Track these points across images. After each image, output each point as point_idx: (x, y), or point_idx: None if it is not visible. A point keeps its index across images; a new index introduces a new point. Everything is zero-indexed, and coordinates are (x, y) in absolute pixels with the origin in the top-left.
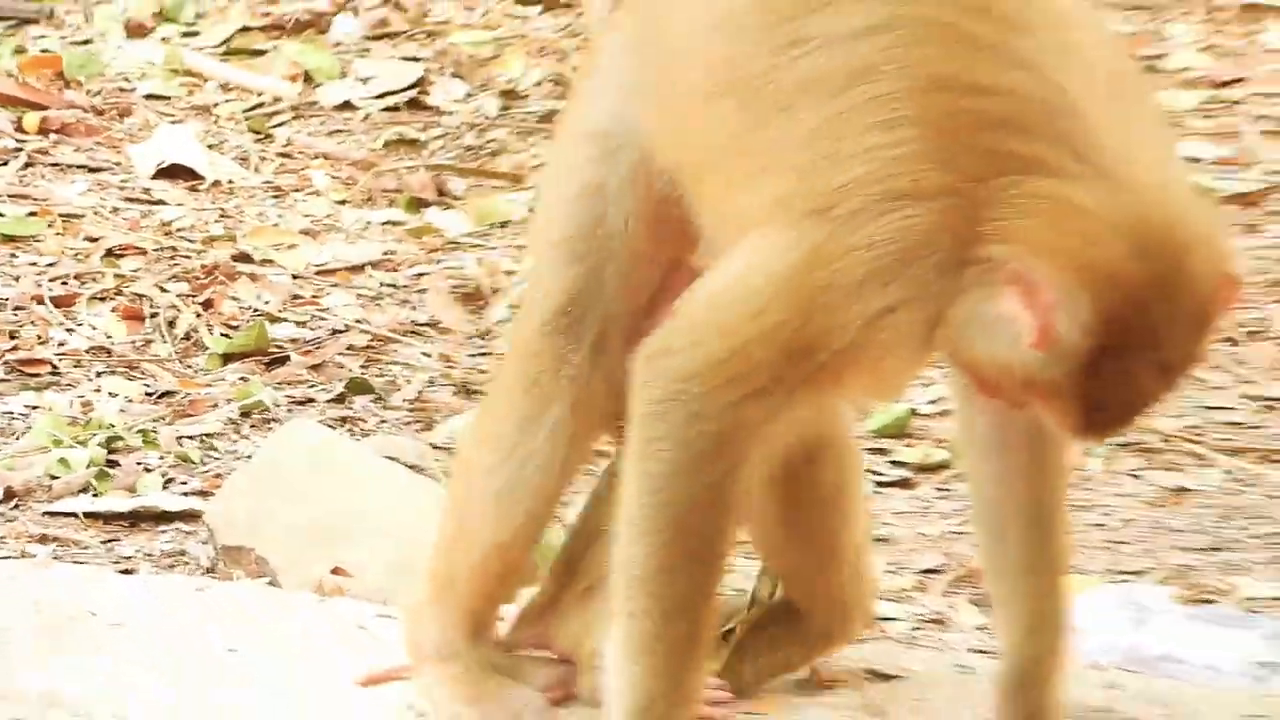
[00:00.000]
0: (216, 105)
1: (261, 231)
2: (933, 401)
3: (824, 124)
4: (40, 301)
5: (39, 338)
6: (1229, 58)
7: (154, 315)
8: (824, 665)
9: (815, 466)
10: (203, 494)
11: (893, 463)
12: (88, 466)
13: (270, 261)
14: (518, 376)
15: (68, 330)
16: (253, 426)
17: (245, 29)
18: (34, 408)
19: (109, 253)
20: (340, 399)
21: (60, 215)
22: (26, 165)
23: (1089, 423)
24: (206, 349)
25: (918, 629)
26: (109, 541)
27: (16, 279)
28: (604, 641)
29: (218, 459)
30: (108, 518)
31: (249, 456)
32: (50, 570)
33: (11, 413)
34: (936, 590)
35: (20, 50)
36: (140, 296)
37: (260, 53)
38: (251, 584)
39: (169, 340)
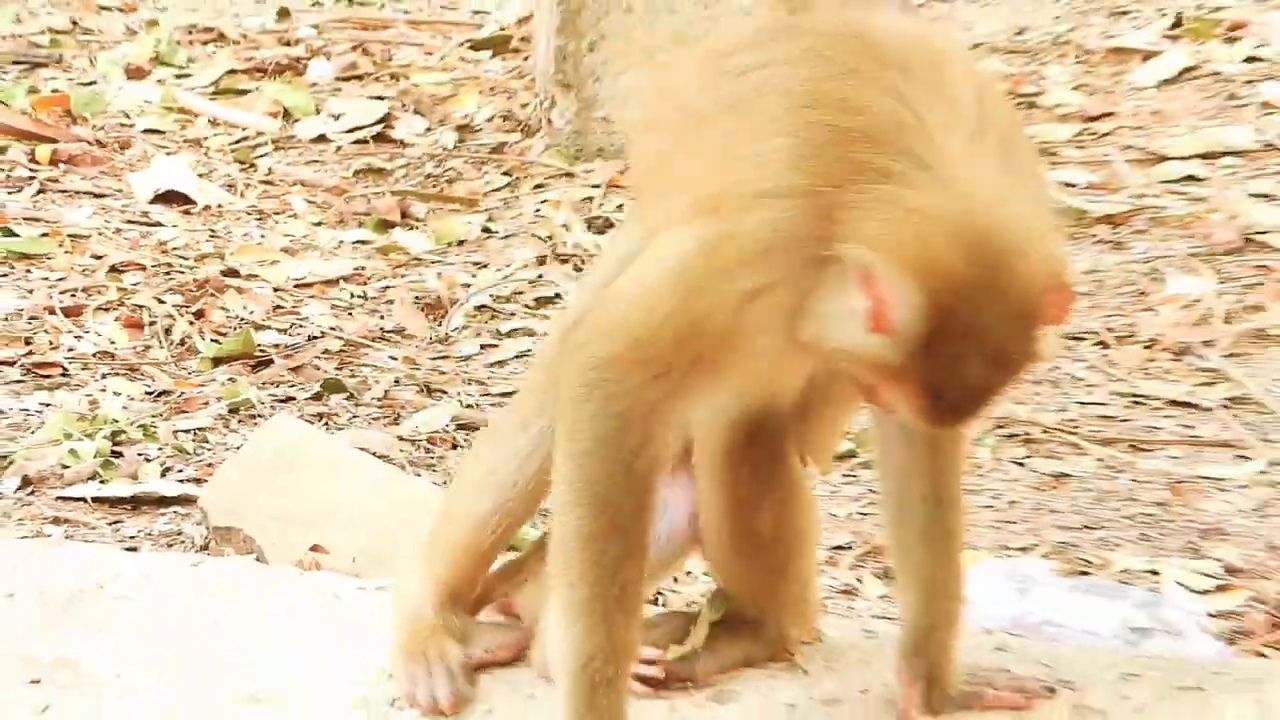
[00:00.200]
0: (206, 139)
1: (247, 250)
2: None
3: (725, 138)
4: (52, 312)
5: (51, 344)
6: (1098, 95)
7: (152, 324)
8: None
9: (770, 503)
10: (197, 481)
11: None
12: (95, 457)
13: (255, 276)
14: (530, 384)
15: (76, 337)
16: (240, 421)
17: (232, 71)
18: (47, 405)
19: (112, 269)
20: (317, 397)
21: (69, 236)
22: (39, 192)
23: (933, 410)
24: (199, 353)
25: (830, 599)
26: (114, 523)
27: (30, 292)
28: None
29: (209, 450)
30: (113, 502)
31: (238, 448)
32: (62, 548)
33: (27, 410)
34: (845, 565)
35: (33, 90)
36: (140, 307)
37: (245, 92)
38: (240, 560)
39: (166, 346)
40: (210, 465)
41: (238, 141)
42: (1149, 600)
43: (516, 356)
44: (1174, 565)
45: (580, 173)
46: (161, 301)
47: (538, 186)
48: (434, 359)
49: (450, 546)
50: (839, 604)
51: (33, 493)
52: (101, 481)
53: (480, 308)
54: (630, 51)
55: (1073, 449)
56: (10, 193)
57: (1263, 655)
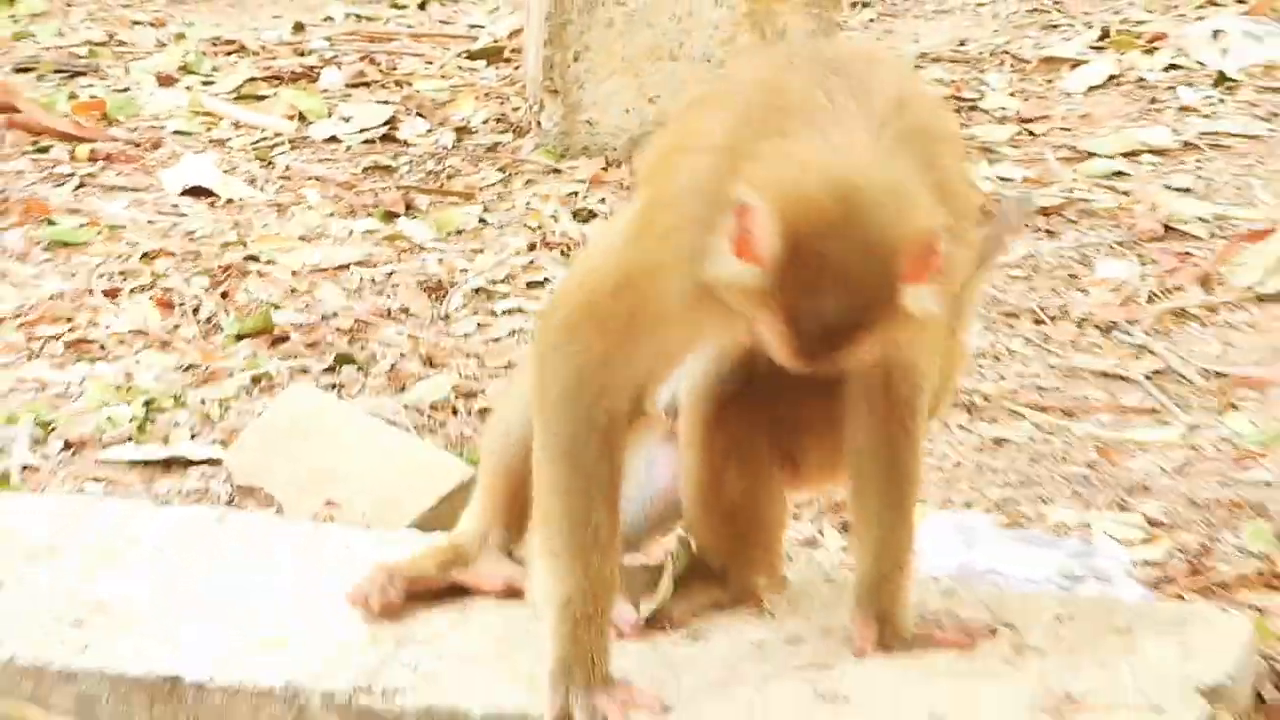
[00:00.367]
0: (229, 139)
1: (266, 238)
2: None
3: (687, 121)
4: (91, 293)
5: (90, 322)
6: (1033, 100)
7: (181, 304)
8: None
9: (743, 469)
10: (222, 444)
11: None
12: (130, 422)
13: (273, 262)
14: None
15: (113, 316)
16: (261, 391)
17: (252, 79)
18: (87, 377)
19: (145, 255)
20: (330, 369)
21: (106, 226)
22: (79, 186)
23: (793, 343)
24: (223, 330)
25: (794, 548)
26: (148, 482)
27: (72, 275)
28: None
29: (233, 416)
30: (146, 463)
31: (259, 414)
32: (101, 504)
33: (70, 381)
34: (807, 518)
35: (73, 96)
36: (170, 289)
37: (263, 98)
38: (261, 514)
39: (194, 324)
40: (234, 430)
41: (257, 141)
42: (1081, 550)
43: (510, 333)
44: (1103, 519)
45: (566, 169)
46: (189, 284)
47: (528, 182)
48: (435, 335)
49: (480, 485)
50: (802, 553)
51: (75, 455)
52: (136, 445)
53: (477, 290)
54: (611, 62)
55: (1011, 415)
56: (54, 187)
57: (1183, 599)
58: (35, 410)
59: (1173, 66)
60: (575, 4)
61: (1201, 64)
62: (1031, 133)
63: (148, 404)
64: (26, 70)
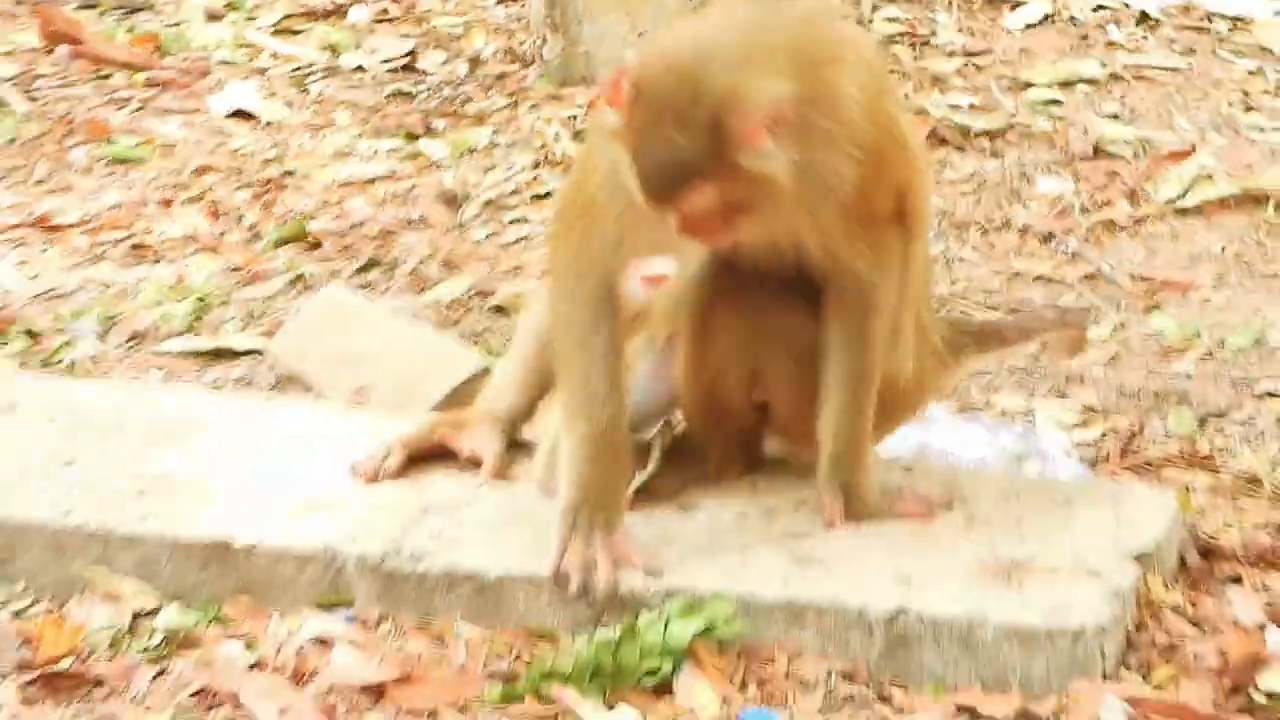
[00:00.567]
0: (269, 68)
1: (302, 156)
2: None
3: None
4: (147, 204)
5: (147, 229)
6: (978, 36)
7: (227, 214)
8: None
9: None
10: (265, 336)
11: None
12: (184, 318)
13: (309, 177)
14: None
15: (167, 224)
16: (299, 291)
17: (289, 15)
18: (145, 278)
19: (195, 170)
20: (360, 271)
21: (161, 145)
22: (137, 109)
23: (639, 179)
24: (265, 237)
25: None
26: (200, 370)
27: (131, 188)
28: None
29: (275, 312)
30: (199, 354)
31: (297, 311)
32: (160, 389)
33: (130, 281)
34: None
35: (131, 30)
36: (217, 201)
37: (299, 32)
38: (301, 398)
39: (238, 231)
40: (275, 324)
41: (294, 71)
42: (1025, 433)
43: (518, 240)
44: (1045, 405)
45: (566, 95)
46: (235, 196)
47: (533, 107)
48: (453, 242)
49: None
50: None
51: (135, 346)
52: (189, 337)
53: (488, 201)
54: (606, 1)
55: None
56: (114, 110)
57: (1116, 477)
58: (100, 307)
59: (1101, 7)
60: None
61: (1127, 4)
62: (977, 65)
63: (199, 301)
64: (90, 7)
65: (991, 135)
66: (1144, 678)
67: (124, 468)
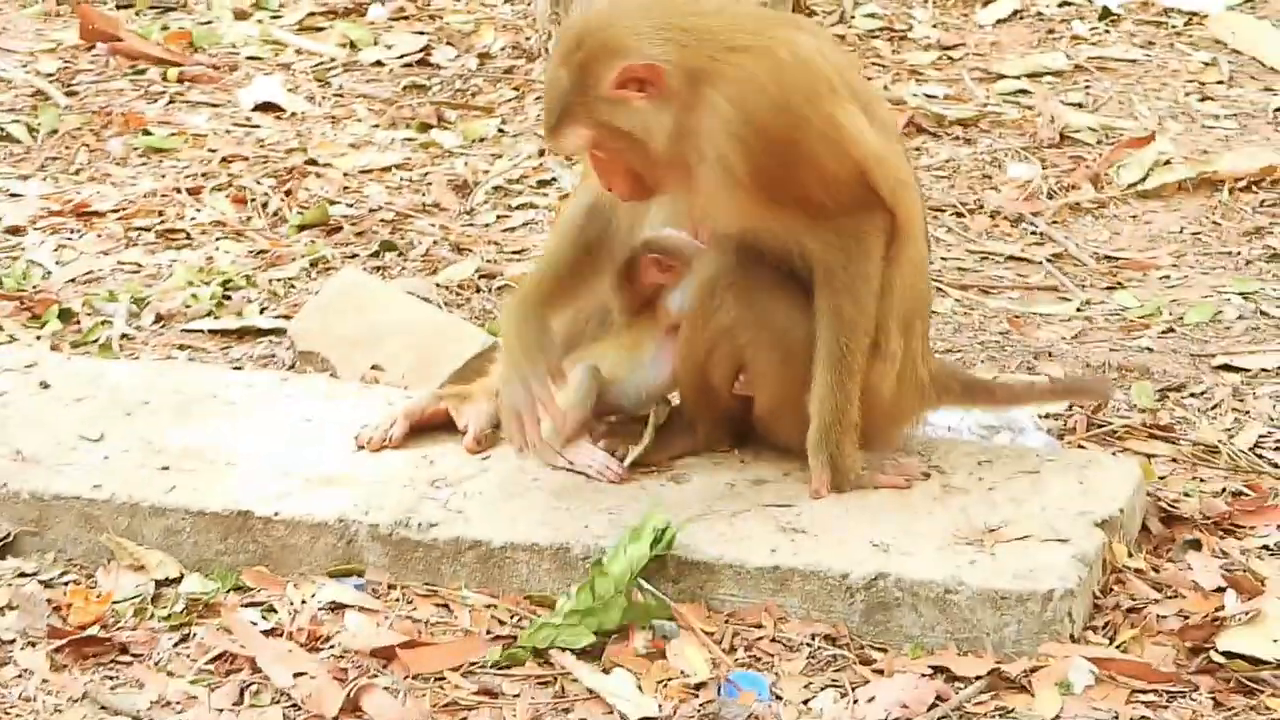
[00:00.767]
0: (293, 64)
1: (323, 145)
2: None
3: None
4: (178, 191)
5: (178, 215)
6: (952, 30)
7: (253, 200)
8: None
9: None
10: (286, 317)
11: None
12: (210, 299)
13: (329, 165)
14: None
15: (196, 210)
16: (319, 272)
17: (312, 14)
18: (175, 261)
19: (223, 159)
20: (376, 254)
21: (191, 135)
22: (169, 102)
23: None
24: (287, 222)
25: None
26: (224, 348)
27: (163, 176)
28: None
29: (295, 293)
30: (223, 333)
31: (317, 292)
32: (186, 367)
33: (160, 264)
34: None
35: (165, 28)
36: (244, 188)
37: (321, 29)
38: (318, 376)
39: (263, 217)
40: (296, 305)
41: (316, 65)
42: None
43: (524, 224)
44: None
45: None
46: (260, 184)
47: (538, 98)
48: (463, 226)
49: None
50: None
51: (164, 326)
52: (215, 317)
53: (496, 188)
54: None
55: (937, 292)
56: (148, 103)
57: (1083, 447)
58: (132, 289)
59: (1066, 3)
60: None
61: (1090, 1)
62: (951, 58)
63: (224, 283)
64: (127, 6)
65: (964, 123)
66: (1110, 640)
67: (150, 443)
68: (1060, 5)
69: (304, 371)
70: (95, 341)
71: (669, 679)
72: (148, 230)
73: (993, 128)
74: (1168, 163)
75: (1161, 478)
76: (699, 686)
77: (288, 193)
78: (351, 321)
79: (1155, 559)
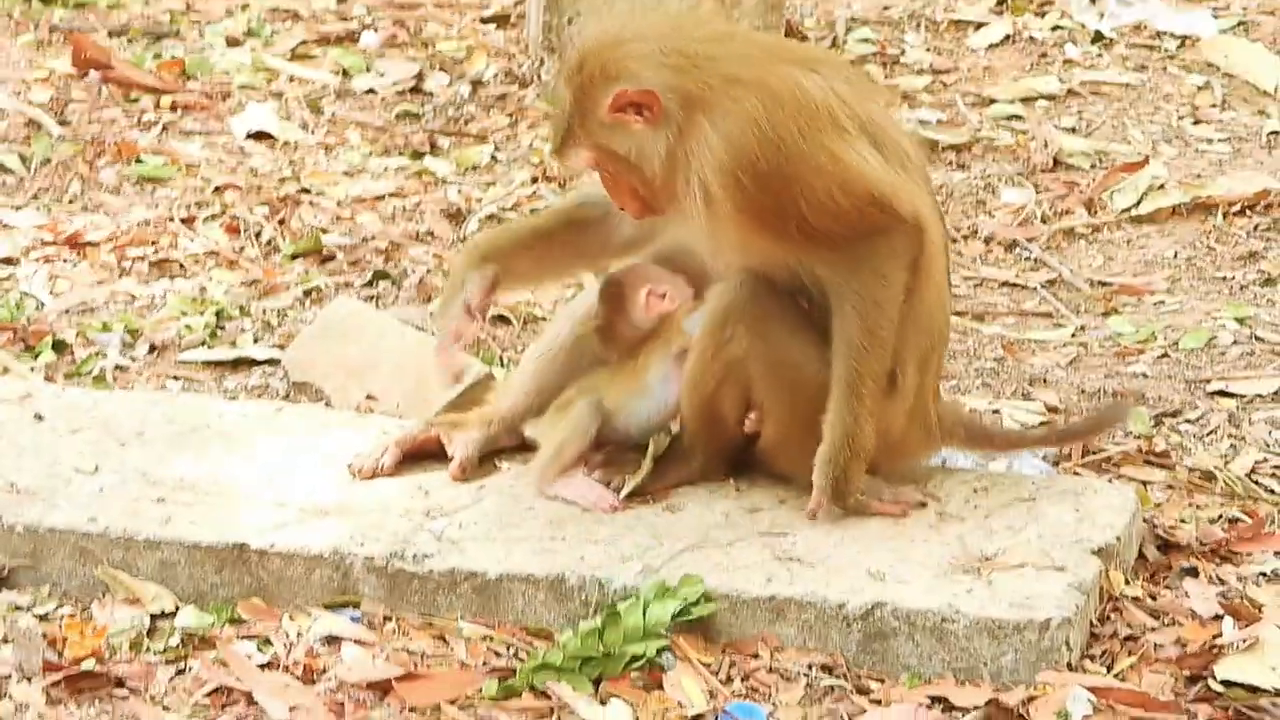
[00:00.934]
0: (286, 91)
1: (316, 174)
2: None
3: None
4: (171, 221)
5: (171, 244)
6: (945, 55)
7: (246, 229)
8: None
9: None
10: (280, 347)
11: None
12: (204, 329)
13: (322, 194)
14: None
15: (190, 239)
16: (312, 302)
17: (304, 41)
18: (168, 291)
19: (216, 188)
20: (369, 283)
21: (184, 164)
22: (162, 131)
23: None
24: (281, 251)
25: None
26: (218, 379)
27: (156, 206)
28: None
29: (289, 323)
30: (217, 363)
31: (310, 322)
32: (180, 398)
33: (154, 294)
34: None
35: (157, 56)
36: (237, 217)
37: (314, 57)
38: (313, 406)
39: (256, 246)
40: (290, 335)
41: (309, 93)
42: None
43: None
44: (1009, 406)
45: None
46: (253, 212)
47: (531, 125)
48: (456, 254)
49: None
50: None
51: (158, 357)
52: (209, 348)
53: (490, 215)
54: (599, 24)
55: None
56: (141, 132)
57: (1078, 474)
58: (125, 319)
59: (1058, 27)
60: None
61: (1082, 25)
62: (944, 83)
63: (218, 313)
64: (119, 34)
65: (958, 149)
66: (1107, 668)
67: (145, 475)
68: (1053, 29)
69: (298, 401)
70: (89, 373)
71: (666, 710)
72: (141, 260)
73: (986, 153)
74: (1161, 187)
75: (1158, 504)
76: (696, 718)
77: (281, 221)
78: (345, 351)
79: (1152, 586)
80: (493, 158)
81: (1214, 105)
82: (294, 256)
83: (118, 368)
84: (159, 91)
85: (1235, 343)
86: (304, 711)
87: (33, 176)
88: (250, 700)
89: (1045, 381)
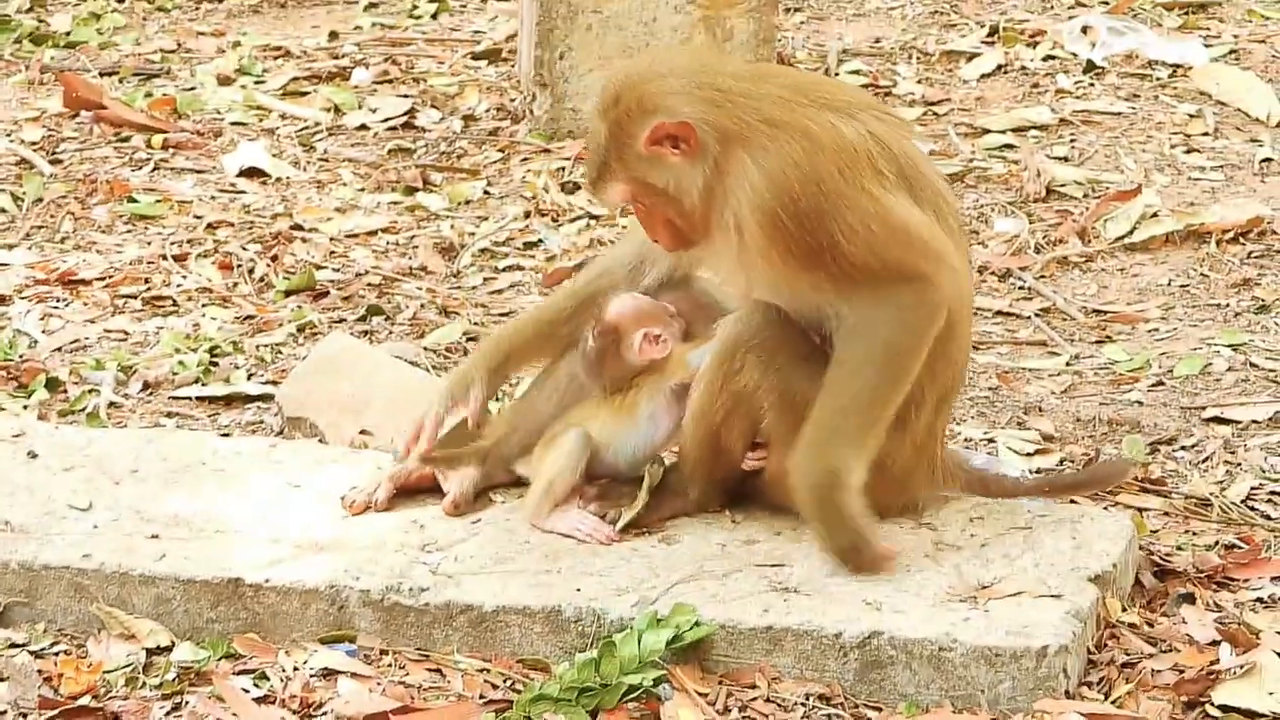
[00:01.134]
0: (278, 129)
1: (309, 210)
2: None
3: None
4: (164, 258)
5: (164, 281)
6: (936, 86)
7: (239, 266)
8: None
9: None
10: (274, 383)
11: None
12: (197, 366)
13: (315, 230)
14: None
15: (182, 277)
16: (306, 338)
17: (296, 78)
18: (161, 328)
19: (209, 226)
20: (363, 319)
21: (177, 202)
22: (154, 169)
23: (583, 172)
24: (274, 288)
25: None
26: (212, 415)
27: (149, 243)
28: None
29: (283, 359)
30: (211, 399)
31: (304, 357)
32: (174, 435)
33: (147, 332)
34: None
35: (149, 94)
36: (230, 254)
37: (305, 94)
38: (307, 441)
39: (249, 282)
40: (284, 370)
41: (301, 130)
42: (988, 461)
43: (511, 286)
44: (1005, 434)
45: (555, 149)
46: (245, 249)
47: (524, 160)
48: (449, 289)
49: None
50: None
51: (151, 394)
52: (202, 384)
53: (483, 250)
54: (590, 59)
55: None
56: (133, 170)
57: (1074, 502)
58: (119, 357)
59: (1050, 57)
60: (560, 12)
61: (1074, 55)
62: (936, 113)
63: (211, 350)
64: (111, 74)
65: (951, 179)
66: (1105, 695)
67: (140, 512)
68: (1044, 59)
69: (292, 437)
70: (83, 410)
71: None
72: (134, 298)
73: (979, 183)
74: (1154, 215)
75: (1154, 531)
76: None
77: (274, 258)
78: (339, 386)
79: (1149, 613)
80: (485, 192)
81: (1206, 133)
82: (287, 293)
83: (111, 405)
84: (151, 130)
85: (1230, 369)
86: None
87: (25, 215)
88: None
89: (1040, 410)
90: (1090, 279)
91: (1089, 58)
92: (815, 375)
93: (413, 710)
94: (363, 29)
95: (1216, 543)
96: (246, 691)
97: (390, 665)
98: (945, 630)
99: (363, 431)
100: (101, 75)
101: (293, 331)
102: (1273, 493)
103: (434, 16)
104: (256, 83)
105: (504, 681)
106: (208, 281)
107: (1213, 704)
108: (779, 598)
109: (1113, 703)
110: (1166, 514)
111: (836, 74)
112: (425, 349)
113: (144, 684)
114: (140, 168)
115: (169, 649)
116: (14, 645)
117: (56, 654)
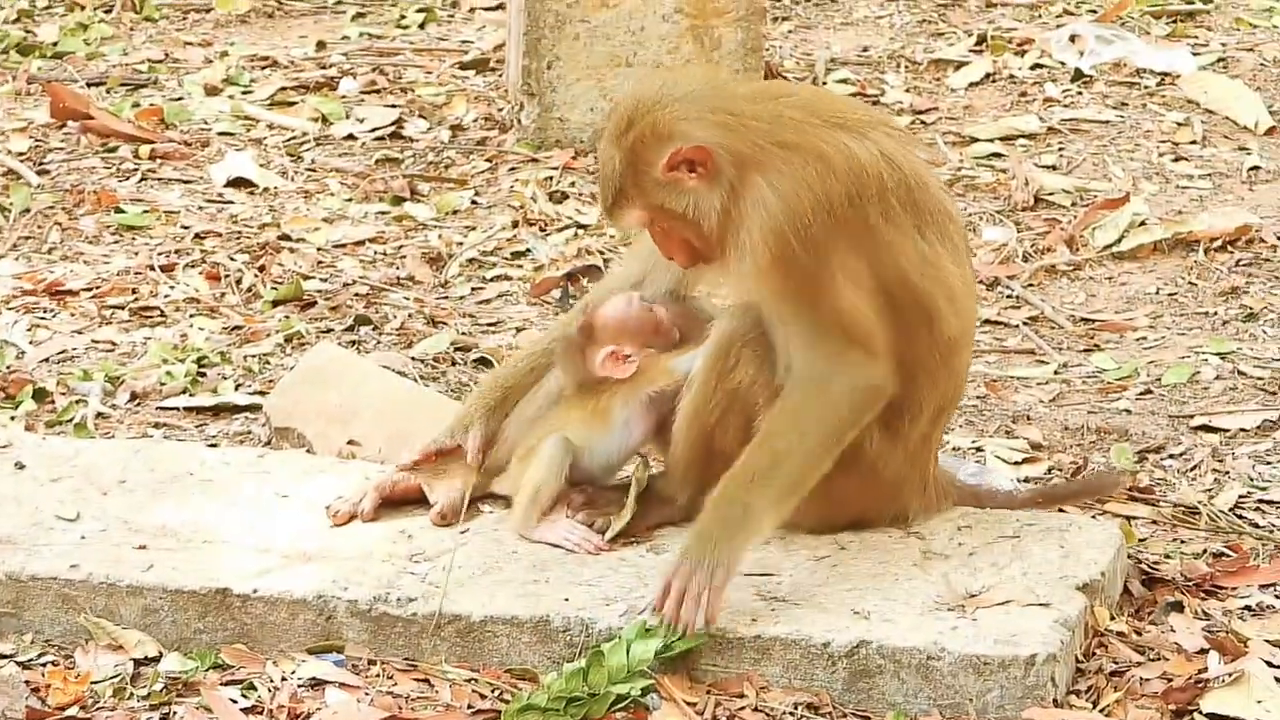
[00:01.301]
0: (265, 139)
1: (296, 220)
2: None
3: None
4: (152, 269)
5: (151, 292)
6: (925, 95)
7: (226, 276)
8: None
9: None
10: (261, 393)
11: None
12: (185, 376)
13: (303, 240)
14: None
15: (170, 287)
16: (293, 348)
17: (283, 88)
18: (149, 339)
19: (196, 236)
20: (350, 329)
21: (164, 212)
22: (141, 179)
23: (598, 196)
24: (261, 298)
25: None
26: (200, 426)
27: (136, 254)
28: None
29: (270, 369)
30: (199, 410)
31: (291, 368)
32: (162, 445)
33: (134, 342)
34: None
35: (136, 104)
36: (217, 264)
37: (293, 104)
38: (294, 451)
39: (237, 293)
40: (271, 381)
41: (288, 140)
42: (976, 470)
43: (498, 296)
44: (993, 443)
45: (543, 158)
46: (233, 259)
47: (511, 169)
48: (437, 299)
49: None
50: None
51: (139, 404)
52: (190, 394)
53: (470, 260)
54: (577, 69)
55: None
56: (120, 180)
57: (1063, 511)
58: (106, 368)
59: (1038, 66)
60: (547, 22)
61: (1062, 63)
62: (924, 122)
63: (199, 360)
64: (98, 84)
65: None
66: (1093, 704)
67: (127, 522)
68: (1032, 68)
69: (280, 447)
70: (70, 421)
71: None
72: (121, 308)
73: (967, 191)
74: (1143, 224)
75: (1142, 540)
76: None
77: (261, 268)
78: (327, 396)
79: (1137, 622)
80: (473, 202)
81: (1194, 141)
82: (275, 303)
83: (99, 416)
84: (138, 140)
85: (1218, 378)
86: None
87: (12, 226)
88: None
89: (1028, 419)
90: (1078, 287)
91: (1077, 66)
92: None
93: None
94: (350, 39)
95: (1205, 551)
96: (234, 702)
97: (378, 675)
98: (933, 639)
99: (350, 442)
100: (89, 85)
101: (280, 342)
102: (1261, 501)
103: (421, 26)
104: (244, 93)
105: (492, 691)
106: (195, 292)
107: (1201, 712)
108: (767, 607)
109: (1101, 711)
110: (1155, 522)
111: (824, 83)
112: (413, 359)
113: (132, 695)
114: (127, 178)
115: (157, 659)
116: (2, 656)
117: (44, 665)
